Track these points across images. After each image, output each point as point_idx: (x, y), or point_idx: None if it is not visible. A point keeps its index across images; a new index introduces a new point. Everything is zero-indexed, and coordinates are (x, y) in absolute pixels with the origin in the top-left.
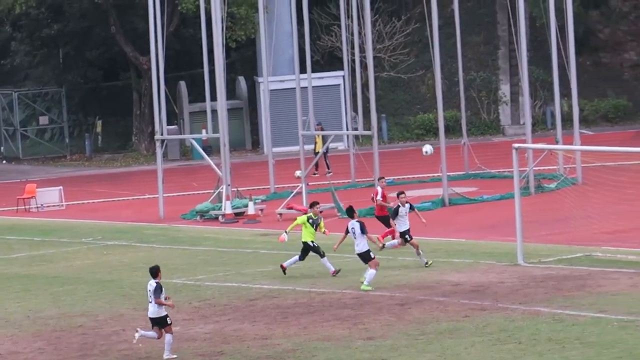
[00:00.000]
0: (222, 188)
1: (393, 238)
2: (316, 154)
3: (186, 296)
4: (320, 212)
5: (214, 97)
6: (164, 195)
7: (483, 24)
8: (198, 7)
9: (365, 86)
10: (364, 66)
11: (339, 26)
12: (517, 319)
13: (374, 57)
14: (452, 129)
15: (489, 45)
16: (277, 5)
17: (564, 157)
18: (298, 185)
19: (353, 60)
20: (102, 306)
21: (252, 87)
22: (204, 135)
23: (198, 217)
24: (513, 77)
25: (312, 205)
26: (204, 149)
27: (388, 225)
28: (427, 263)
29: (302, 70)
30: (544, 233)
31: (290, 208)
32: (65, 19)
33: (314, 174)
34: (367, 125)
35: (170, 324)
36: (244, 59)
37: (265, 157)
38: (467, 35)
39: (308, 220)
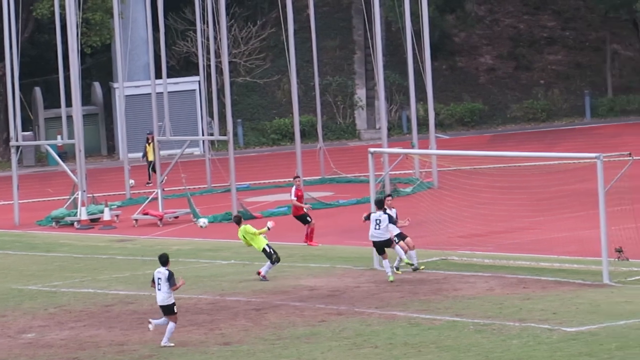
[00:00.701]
0: (77, 194)
1: (310, 239)
2: (149, 162)
3: (42, 302)
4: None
5: (69, 103)
6: (19, 201)
7: (338, 28)
8: (53, 12)
9: (221, 91)
10: (219, 71)
11: (195, 31)
12: (374, 323)
13: (230, 62)
14: (308, 134)
15: (344, 49)
16: (132, 11)
17: (420, 161)
18: (154, 191)
19: (209, 66)
20: None
21: (108, 93)
22: (59, 141)
23: (53, 224)
24: (369, 81)
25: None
26: (59, 155)
27: (304, 222)
28: (397, 268)
29: (158, 75)
30: None
31: (146, 214)
32: None
33: (148, 183)
34: (223, 131)
35: (176, 313)
36: (99, 64)
37: (121, 162)
38: (322, 39)
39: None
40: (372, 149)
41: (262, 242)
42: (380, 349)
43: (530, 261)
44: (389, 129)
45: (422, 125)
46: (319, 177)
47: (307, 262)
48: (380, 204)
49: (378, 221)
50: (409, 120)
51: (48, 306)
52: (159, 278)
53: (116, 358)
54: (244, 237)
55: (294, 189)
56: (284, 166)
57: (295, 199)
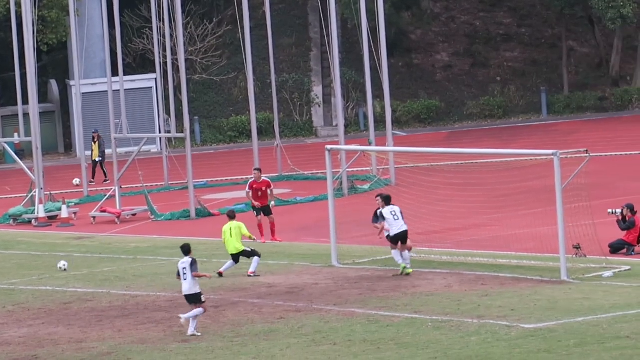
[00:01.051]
0: (35, 192)
1: (264, 235)
2: (94, 161)
3: (0, 301)
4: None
5: (26, 101)
6: None
7: (295, 26)
8: (9, 10)
9: (177, 89)
10: (176, 69)
11: (151, 29)
12: (332, 320)
13: (186, 60)
14: (265, 131)
15: (301, 47)
16: (88, 9)
17: (377, 158)
18: (111, 189)
19: (165, 63)
20: None
21: (65, 91)
22: (16, 139)
23: (11, 221)
24: (325, 78)
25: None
26: (16, 153)
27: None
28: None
29: (114, 73)
30: (358, 234)
31: (104, 211)
32: None
33: (91, 181)
34: (180, 128)
35: (205, 301)
36: (55, 62)
37: (78, 160)
38: (279, 37)
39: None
40: (329, 146)
41: (241, 245)
42: (339, 346)
43: (488, 258)
44: (346, 126)
45: (379, 122)
46: (277, 175)
47: (266, 259)
48: (388, 200)
49: (394, 212)
50: (365, 117)
51: (6, 304)
52: (184, 268)
53: (75, 355)
54: (230, 230)
55: (249, 181)
56: (241, 163)
57: (248, 189)
